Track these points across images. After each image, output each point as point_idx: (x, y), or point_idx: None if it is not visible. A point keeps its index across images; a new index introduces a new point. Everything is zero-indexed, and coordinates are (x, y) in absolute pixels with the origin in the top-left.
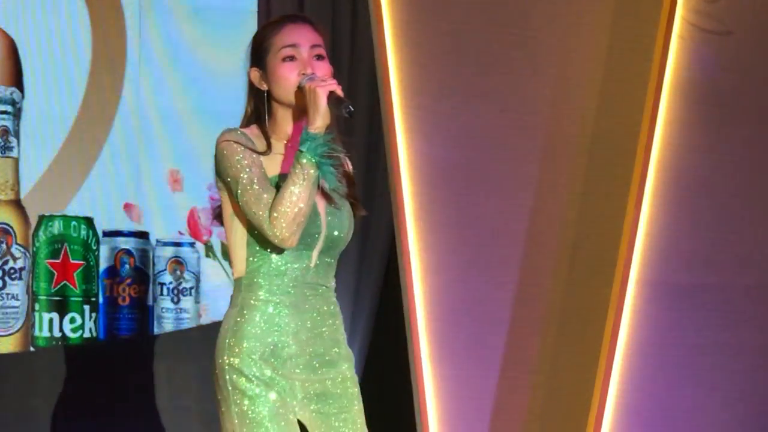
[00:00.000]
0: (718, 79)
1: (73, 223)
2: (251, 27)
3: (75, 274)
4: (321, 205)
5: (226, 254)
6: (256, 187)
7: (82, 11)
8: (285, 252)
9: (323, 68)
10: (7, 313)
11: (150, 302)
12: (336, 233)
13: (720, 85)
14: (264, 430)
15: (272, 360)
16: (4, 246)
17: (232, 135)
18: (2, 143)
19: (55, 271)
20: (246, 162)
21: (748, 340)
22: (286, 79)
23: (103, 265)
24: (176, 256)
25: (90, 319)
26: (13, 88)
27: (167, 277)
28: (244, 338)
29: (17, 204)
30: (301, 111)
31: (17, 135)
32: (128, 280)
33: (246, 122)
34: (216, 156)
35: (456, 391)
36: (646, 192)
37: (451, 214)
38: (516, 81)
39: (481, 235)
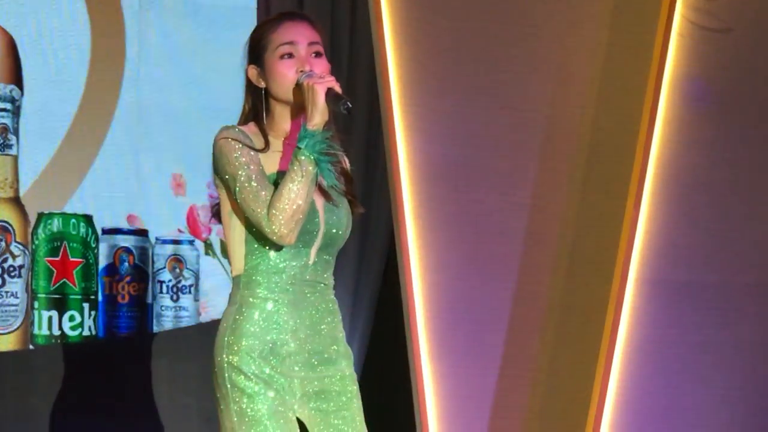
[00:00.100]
0: (718, 76)
1: (73, 220)
2: (251, 24)
3: (74, 272)
4: (319, 202)
5: (226, 252)
6: (254, 184)
7: (81, 9)
8: (283, 249)
9: (321, 65)
10: (6, 311)
11: (149, 300)
12: (334, 230)
13: (719, 82)
14: (263, 428)
15: (271, 358)
16: (3, 244)
17: (230, 132)
18: (1, 141)
19: (54, 269)
20: (244, 159)
21: (747, 338)
22: (284, 76)
23: (102, 262)
24: (175, 254)
25: (89, 317)
26: (13, 86)
27: (166, 275)
28: (243, 336)
29: (16, 202)
30: (299, 108)
31: (16, 132)
32: (127, 278)
33: (244, 120)
34: (214, 154)
35: (455, 389)
36: (646, 190)
37: (450, 212)
38: (515, 78)
39: (480, 233)
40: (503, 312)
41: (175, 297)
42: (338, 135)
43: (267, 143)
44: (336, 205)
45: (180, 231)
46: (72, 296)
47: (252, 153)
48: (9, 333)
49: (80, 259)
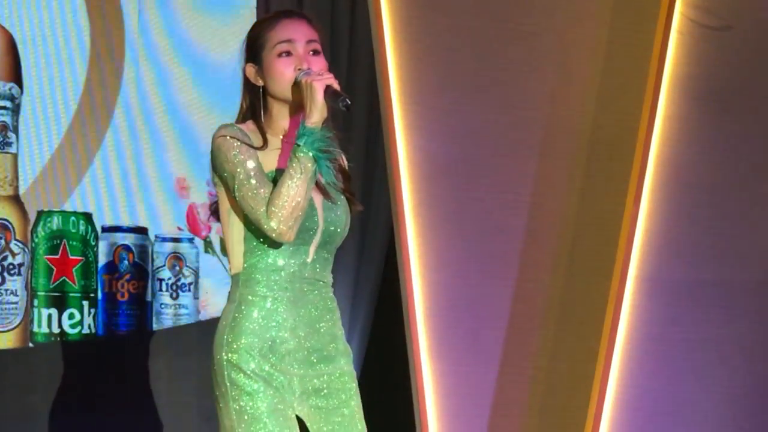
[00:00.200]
0: (717, 74)
1: (72, 218)
2: (251, 22)
3: (74, 270)
4: (318, 200)
5: (225, 250)
6: (253, 182)
7: (80, 7)
8: (282, 247)
9: (319, 63)
10: (5, 308)
11: (149, 298)
12: (333, 228)
13: (719, 80)
14: (262, 425)
15: (270, 356)
16: (2, 242)
17: (229, 130)
18: (1, 139)
19: (54, 267)
20: (242, 157)
21: (747, 336)
22: (282, 74)
23: (102, 260)
24: (175, 252)
25: (89, 315)
26: (12, 84)
27: (166, 273)
28: (242, 334)
29: (16, 200)
30: (297, 106)
31: (16, 130)
32: (127, 276)
33: (241, 118)
34: (212, 152)
35: (455, 387)
36: (645, 187)
37: (450, 210)
38: (515, 76)
39: (480, 231)
40: (503, 310)
41: (174, 295)
42: (337, 133)
43: (265, 141)
44: (334, 203)
45: (179, 229)
46: (71, 294)
47: (250, 151)
48: (9, 331)
49: (80, 257)
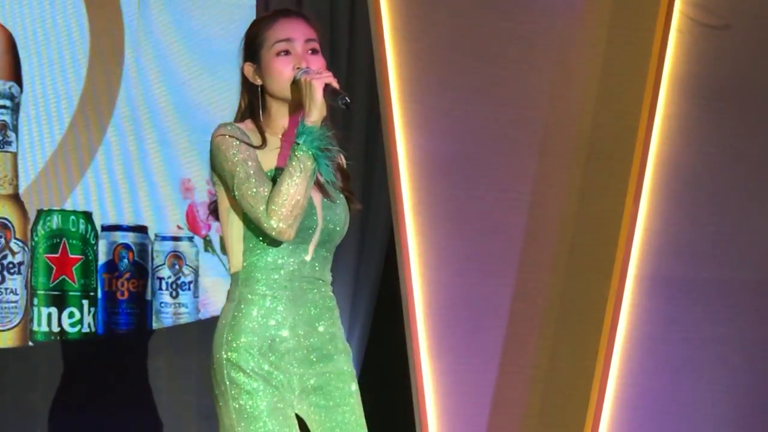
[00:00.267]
0: (717, 73)
1: (72, 217)
2: (250, 21)
3: (74, 269)
4: (317, 198)
5: (225, 249)
6: (252, 180)
7: (80, 5)
8: (282, 246)
9: (317, 62)
10: (5, 307)
11: (149, 297)
12: (332, 227)
13: (718, 79)
14: (262, 424)
15: (270, 354)
16: (2, 240)
17: (227, 129)
18: (1, 138)
19: (53, 266)
20: (242, 156)
21: (747, 334)
22: (281, 73)
23: (101, 259)
24: (175, 251)
25: (89, 314)
26: (12, 83)
27: (166, 272)
28: (242, 333)
29: (16, 198)
30: (296, 105)
31: (16, 129)
32: (127, 275)
33: (240, 117)
34: (211, 151)
35: (454, 386)
36: (645, 186)
37: (449, 209)
38: (515, 75)
39: (479, 230)
40: (503, 309)
41: (174, 294)
42: (336, 131)
43: (264, 140)
44: (333, 202)
45: (179, 228)
46: (71, 293)
47: (250, 149)
48: (8, 330)
49: (80, 256)
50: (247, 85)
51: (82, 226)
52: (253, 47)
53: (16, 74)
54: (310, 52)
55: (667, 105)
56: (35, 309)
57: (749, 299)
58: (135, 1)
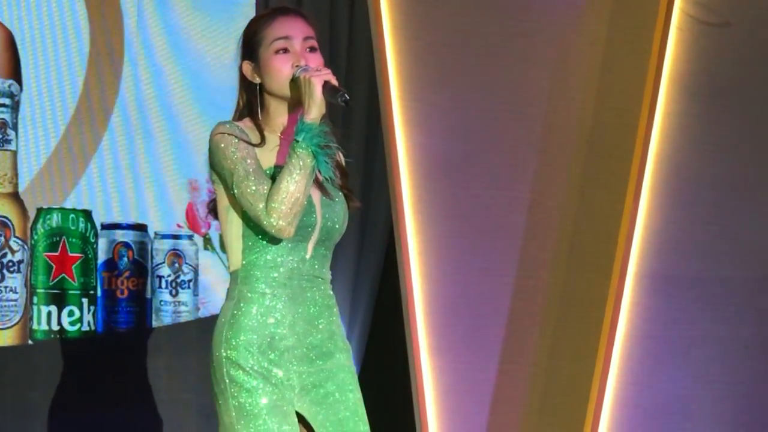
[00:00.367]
0: (717, 71)
1: (72, 216)
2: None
3: (73, 267)
4: (316, 196)
5: (224, 247)
6: (251, 178)
7: (79, 3)
8: (281, 244)
9: (316, 60)
10: (5, 306)
11: (148, 295)
12: (331, 224)
13: (718, 77)
14: (261, 422)
15: (269, 352)
16: (2, 239)
17: (226, 128)
18: (1, 136)
19: (53, 264)
20: (241, 154)
21: (747, 333)
22: (279, 71)
23: (101, 258)
24: (175, 249)
25: (88, 312)
26: (11, 81)
27: (165, 270)
28: (241, 331)
29: (15, 197)
30: (295, 103)
31: (15, 128)
32: (126, 273)
33: (238, 116)
34: (210, 149)
35: (454, 384)
36: (645, 184)
37: (449, 207)
38: (514, 73)
39: (479, 228)
40: (502, 307)
41: (174, 292)
42: (335, 129)
43: (263, 138)
44: (332, 199)
45: (179, 226)
46: (71, 291)
47: (248, 147)
48: (8, 328)
49: (79, 254)
50: (245, 83)
51: (81, 225)
52: (251, 45)
53: (15, 72)
54: (308, 50)
55: (667, 103)
56: (35, 307)
57: (749, 297)
58: (134, 1)
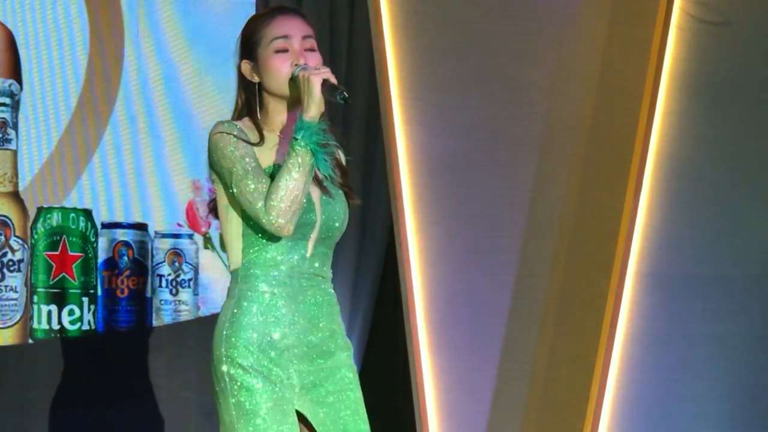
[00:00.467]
0: (717, 70)
1: (72, 215)
2: None
3: (73, 266)
4: (315, 194)
5: (224, 246)
6: (250, 177)
7: (80, 3)
8: (281, 242)
9: (315, 59)
10: (5, 305)
11: (148, 294)
12: (331, 222)
13: (718, 75)
14: (261, 421)
15: (269, 351)
16: (2, 238)
17: (225, 127)
18: (1, 135)
19: (53, 263)
20: (239, 153)
21: (747, 331)
22: (279, 70)
23: (101, 257)
24: (175, 248)
25: (88, 311)
26: (12, 80)
27: (166, 269)
28: (241, 329)
29: (16, 196)
30: (294, 102)
31: (16, 127)
32: (127, 272)
33: (237, 115)
34: (209, 148)
35: (455, 383)
36: (645, 183)
37: (449, 205)
38: (514, 72)
39: (479, 226)
40: (503, 305)
41: (174, 291)
42: (335, 128)
43: (262, 137)
44: (332, 197)
45: (179, 225)
46: (71, 290)
47: (247, 146)
48: (8, 327)
49: (79, 254)
50: (244, 82)
51: (82, 224)
52: (250, 45)
53: (15, 72)
54: (307, 49)
55: (666, 102)
56: (35, 306)
57: (750, 295)
58: (135, 0)
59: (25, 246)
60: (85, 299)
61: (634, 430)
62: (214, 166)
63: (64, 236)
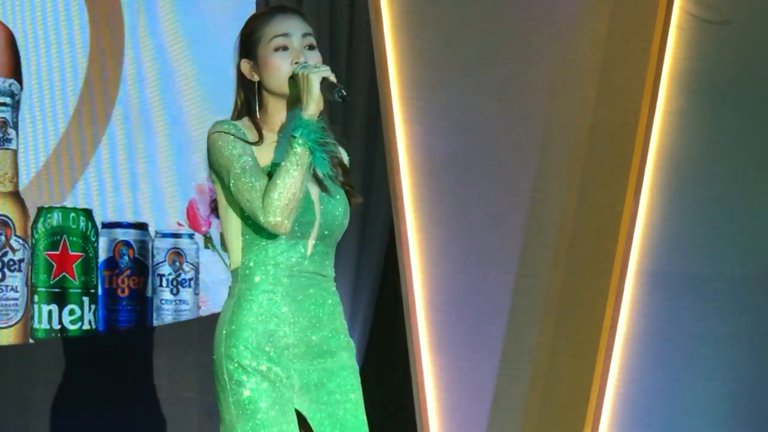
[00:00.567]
0: (717, 69)
1: (72, 214)
2: None
3: (74, 266)
4: (314, 193)
5: (225, 245)
6: (247, 175)
7: (80, 3)
8: (280, 241)
9: (315, 58)
10: (6, 305)
11: (149, 294)
12: (331, 221)
13: (718, 74)
14: (260, 420)
15: (269, 350)
16: (3, 238)
17: (223, 126)
18: (1, 135)
19: (54, 263)
20: (237, 152)
21: (748, 331)
22: (279, 68)
23: (102, 256)
24: (175, 248)
25: (89, 311)
26: (12, 80)
27: (166, 269)
28: (241, 329)
29: (16, 196)
30: (293, 100)
31: (16, 127)
32: (127, 272)
33: (236, 115)
34: (208, 148)
35: (455, 382)
36: (645, 182)
37: (449, 205)
38: (515, 71)
39: (480, 226)
40: (503, 304)
41: (175, 290)
42: (335, 126)
43: (261, 136)
44: (332, 196)
45: (180, 225)
46: (72, 290)
47: (245, 145)
48: (9, 327)
49: (80, 253)
50: (243, 81)
51: (82, 224)
52: (249, 43)
53: (16, 71)
54: (307, 47)
55: (667, 101)
56: (36, 306)
57: (750, 294)
58: (134, 0)
59: (26, 246)
60: (86, 299)
61: (634, 430)
62: (212, 165)
63: (65, 236)
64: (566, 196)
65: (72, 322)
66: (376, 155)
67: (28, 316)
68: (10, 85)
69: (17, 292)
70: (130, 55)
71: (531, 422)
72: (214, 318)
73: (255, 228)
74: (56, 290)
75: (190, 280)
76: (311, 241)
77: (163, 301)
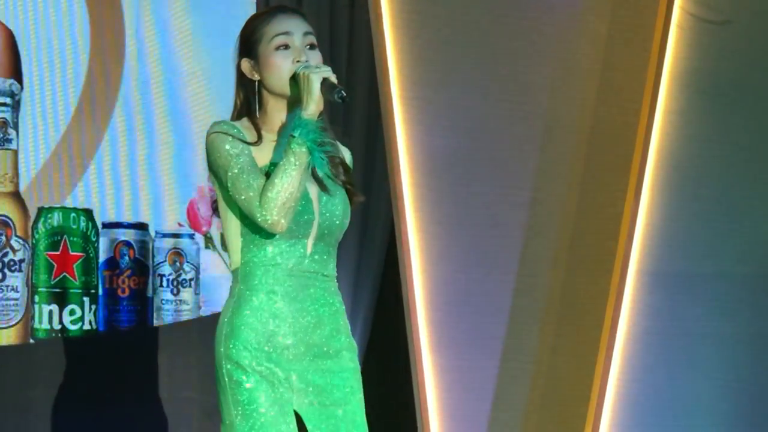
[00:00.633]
0: (718, 68)
1: (73, 215)
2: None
3: (74, 266)
4: (313, 192)
5: (225, 245)
6: (245, 174)
7: (80, 3)
8: (280, 241)
9: (316, 58)
10: (6, 305)
11: (150, 294)
12: (330, 220)
13: (719, 74)
14: (260, 420)
15: (269, 350)
16: (3, 238)
17: (221, 126)
18: (1, 135)
19: (54, 263)
20: (235, 151)
21: (748, 330)
22: (280, 67)
23: (102, 256)
24: (176, 248)
25: (90, 311)
26: (12, 80)
27: (167, 269)
28: (241, 329)
29: (16, 196)
30: (293, 100)
31: (16, 127)
32: (128, 272)
33: (236, 115)
34: (206, 148)
35: (456, 382)
36: (645, 181)
37: (450, 204)
38: (515, 71)
39: (480, 225)
40: (503, 304)
41: (175, 291)
42: (334, 126)
43: (260, 137)
44: (331, 195)
45: (180, 225)
46: (72, 290)
47: (243, 145)
48: (9, 327)
49: (80, 253)
50: (243, 81)
51: (82, 224)
52: (250, 43)
53: (16, 71)
54: (308, 47)
55: (667, 101)
56: (36, 306)
57: (750, 294)
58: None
59: (26, 246)
60: (86, 299)
61: (634, 430)
62: (211, 165)
63: (65, 236)
64: (566, 196)
65: (72, 323)
66: (376, 155)
67: (28, 316)
68: (10, 85)
69: (18, 292)
70: (130, 55)
71: (531, 422)
72: (214, 318)
73: (254, 228)
74: (57, 290)
75: (191, 280)
76: (311, 241)
77: (163, 301)
